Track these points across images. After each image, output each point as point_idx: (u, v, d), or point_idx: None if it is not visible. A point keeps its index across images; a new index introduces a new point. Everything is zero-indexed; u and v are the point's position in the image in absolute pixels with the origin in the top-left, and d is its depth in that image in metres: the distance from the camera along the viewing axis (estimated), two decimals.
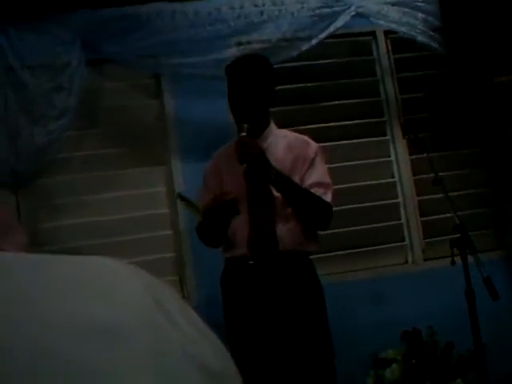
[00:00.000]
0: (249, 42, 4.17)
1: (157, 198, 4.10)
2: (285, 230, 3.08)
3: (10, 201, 3.79)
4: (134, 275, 0.50)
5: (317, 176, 3.14)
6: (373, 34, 4.46)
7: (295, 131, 4.17)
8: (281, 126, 4.24)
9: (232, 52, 4.09)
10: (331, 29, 4.19)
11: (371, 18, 4.28)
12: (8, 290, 0.46)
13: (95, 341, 0.43)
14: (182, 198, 3.14)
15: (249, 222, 3.09)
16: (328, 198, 3.12)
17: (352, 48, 4.42)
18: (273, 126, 3.29)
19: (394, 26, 4.29)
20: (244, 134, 3.01)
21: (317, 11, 4.20)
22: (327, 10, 4.20)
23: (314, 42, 4.16)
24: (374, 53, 4.48)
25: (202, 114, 4.09)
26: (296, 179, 3.11)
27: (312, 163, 3.16)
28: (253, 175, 3.05)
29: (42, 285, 0.46)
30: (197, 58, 4.03)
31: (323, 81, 4.40)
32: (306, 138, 3.29)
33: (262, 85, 3.14)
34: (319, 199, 3.09)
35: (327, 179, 3.17)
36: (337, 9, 4.22)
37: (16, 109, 3.81)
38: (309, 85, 4.37)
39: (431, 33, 4.28)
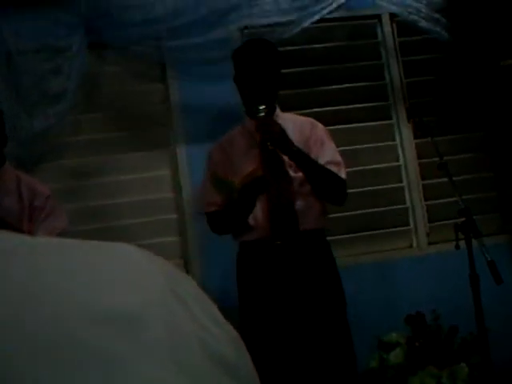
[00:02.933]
0: (249, 17, 4.15)
1: (161, 181, 4.10)
2: (303, 209, 3.15)
3: None
4: (154, 264, 0.50)
5: (329, 154, 3.23)
6: (378, 16, 4.43)
7: (300, 115, 4.18)
8: (285, 109, 4.25)
9: (234, 31, 4.08)
10: (334, 5, 4.16)
11: (375, 0, 4.25)
12: (25, 274, 0.46)
13: (112, 328, 0.43)
14: (215, 178, 3.15)
15: (267, 204, 3.13)
16: (343, 174, 3.22)
17: (357, 31, 4.40)
18: (278, 110, 3.33)
19: (395, 9, 4.25)
20: (263, 114, 3.07)
21: None
22: None
23: (316, 17, 4.13)
24: (379, 36, 4.46)
25: (205, 97, 4.08)
26: None
27: (322, 143, 3.25)
28: (274, 154, 3.09)
29: (61, 270, 0.47)
30: (198, 39, 4.01)
31: (328, 64, 4.39)
32: (311, 119, 3.38)
33: (272, 68, 3.20)
34: (335, 176, 3.18)
35: (339, 157, 3.27)
36: None
37: (15, 94, 3.79)
38: (313, 68, 4.36)
39: (436, 15, 4.25)
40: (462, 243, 3.32)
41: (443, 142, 4.01)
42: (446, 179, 3.55)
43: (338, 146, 4.24)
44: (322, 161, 3.18)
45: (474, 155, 4.50)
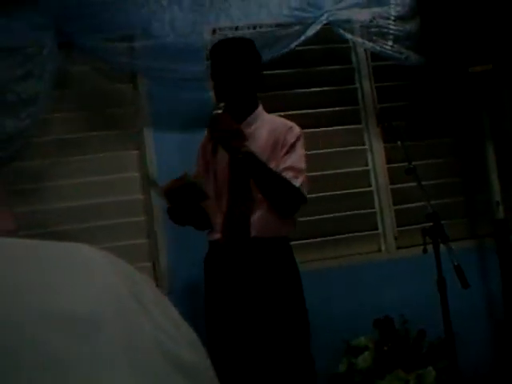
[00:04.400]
0: (221, 29, 4.16)
1: (130, 182, 4.07)
2: (257, 217, 3.10)
3: None
4: (111, 265, 0.49)
5: (291, 161, 3.13)
6: (348, 22, 4.44)
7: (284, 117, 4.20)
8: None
9: (207, 39, 4.09)
10: (302, 38, 4.18)
11: (340, 30, 4.27)
12: None
13: (64, 329, 0.42)
14: (150, 181, 3.17)
15: (226, 208, 3.13)
16: (297, 182, 3.10)
17: (328, 36, 4.41)
18: (261, 111, 3.28)
19: (367, 45, 4.31)
20: (218, 111, 3.03)
21: (295, 13, 4.20)
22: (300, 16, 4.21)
23: (283, 50, 4.15)
24: (350, 41, 4.47)
25: (177, 103, 4.06)
26: (274, 164, 3.11)
27: (290, 148, 3.16)
28: (216, 148, 3.11)
29: (12, 270, 0.45)
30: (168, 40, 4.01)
31: (299, 68, 4.40)
32: (289, 123, 3.29)
33: (244, 67, 3.15)
34: (287, 183, 3.08)
35: (301, 164, 3.16)
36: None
37: None
38: (284, 71, 4.36)
39: (406, 40, 4.29)
40: (430, 247, 3.35)
41: (412, 147, 4.04)
42: (414, 184, 3.59)
43: (306, 150, 4.28)
44: (282, 166, 3.12)
45: (443, 160, 4.54)
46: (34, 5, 3.85)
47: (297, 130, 3.23)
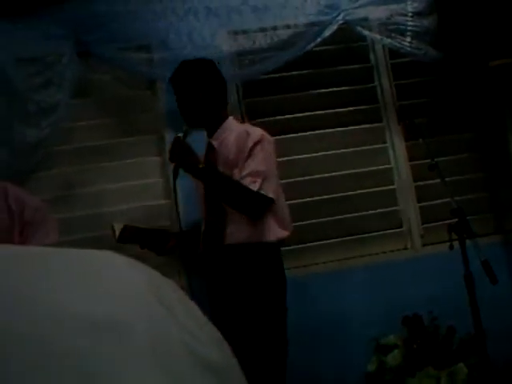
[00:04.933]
0: (238, 33, 4.18)
1: (154, 188, 4.09)
2: (231, 225, 3.27)
3: None
4: (137, 270, 0.50)
5: (251, 166, 3.20)
6: (366, 20, 4.43)
7: (292, 119, 4.20)
8: (276, 114, 4.26)
9: (226, 43, 4.11)
10: (318, 39, 4.19)
11: (358, 27, 4.27)
12: (9, 285, 0.45)
13: (95, 335, 0.43)
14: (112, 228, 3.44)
15: (205, 221, 3.40)
16: (255, 186, 3.17)
17: (346, 35, 4.40)
18: (229, 122, 3.41)
19: (385, 41, 4.29)
20: (180, 135, 3.24)
21: (311, 16, 4.21)
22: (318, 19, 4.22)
23: (300, 52, 4.17)
24: (368, 39, 4.46)
25: None
26: (235, 172, 3.23)
27: (249, 154, 3.22)
28: (177, 173, 3.29)
29: (46, 278, 0.46)
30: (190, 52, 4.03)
31: (317, 68, 4.39)
32: (250, 128, 3.36)
33: (199, 89, 3.32)
34: (245, 189, 3.16)
35: (261, 167, 3.20)
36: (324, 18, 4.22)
37: (7, 105, 3.80)
38: (303, 72, 4.36)
39: (425, 35, 4.26)
40: (456, 244, 3.32)
41: (434, 143, 4.02)
42: (438, 180, 3.56)
43: (328, 150, 4.29)
44: (242, 173, 3.20)
45: (466, 155, 4.50)
46: (52, 15, 3.89)
47: (256, 134, 3.27)
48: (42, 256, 0.49)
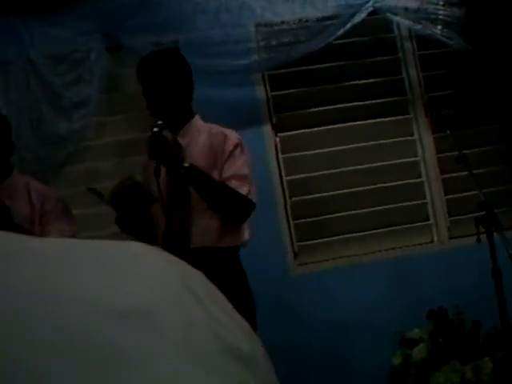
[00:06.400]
0: (267, 25, 4.17)
1: None
2: (198, 228, 3.06)
3: None
4: (166, 261, 0.50)
5: (234, 169, 3.08)
6: (395, 8, 4.39)
7: (319, 112, 4.17)
8: (304, 106, 4.26)
9: (250, 34, 4.11)
10: (348, 25, 4.16)
11: (388, 14, 4.23)
12: (39, 274, 0.46)
13: (126, 326, 0.43)
14: (91, 190, 3.06)
15: (165, 221, 3.09)
16: (244, 190, 3.06)
17: (373, 26, 4.38)
18: (197, 120, 3.23)
19: (414, 27, 4.26)
20: (156, 129, 2.98)
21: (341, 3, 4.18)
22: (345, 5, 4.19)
23: (330, 39, 4.14)
24: (395, 31, 4.43)
25: (223, 95, 4.10)
26: (216, 174, 3.08)
27: (229, 156, 3.10)
28: (160, 171, 3.00)
29: (73, 269, 0.47)
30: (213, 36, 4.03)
31: (345, 60, 4.37)
32: (226, 131, 3.21)
33: (174, 80, 3.11)
34: (234, 192, 3.04)
35: (244, 171, 3.10)
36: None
37: (39, 97, 3.86)
38: (330, 65, 4.35)
39: (453, 25, 4.22)
40: (484, 236, 3.30)
41: (461, 136, 3.99)
42: (465, 173, 3.54)
43: (355, 142, 4.27)
44: (224, 175, 3.07)
45: (493, 147, 4.46)
46: (80, 11, 3.93)
47: (233, 137, 3.16)
48: (72, 248, 0.50)
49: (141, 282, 0.46)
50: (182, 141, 3.12)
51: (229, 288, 2.80)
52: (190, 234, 3.05)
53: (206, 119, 3.27)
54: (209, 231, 3.05)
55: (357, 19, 4.17)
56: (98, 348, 0.42)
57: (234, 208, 3.08)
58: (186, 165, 2.98)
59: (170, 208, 3.09)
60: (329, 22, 4.17)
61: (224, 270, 3.00)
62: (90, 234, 3.72)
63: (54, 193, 3.30)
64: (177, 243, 3.05)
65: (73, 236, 3.11)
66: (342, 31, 4.16)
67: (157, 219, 3.11)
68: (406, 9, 4.22)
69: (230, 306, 0.50)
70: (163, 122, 3.00)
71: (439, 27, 4.22)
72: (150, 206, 3.04)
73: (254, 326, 3.00)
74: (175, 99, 3.12)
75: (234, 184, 3.05)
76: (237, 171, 3.08)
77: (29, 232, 2.92)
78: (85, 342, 0.42)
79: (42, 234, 3.06)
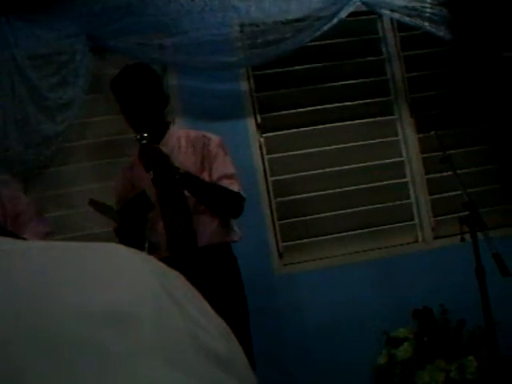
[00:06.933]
0: (251, 24, 4.17)
1: None
2: (202, 228, 3.20)
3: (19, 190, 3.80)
4: (143, 262, 0.50)
5: (222, 169, 3.24)
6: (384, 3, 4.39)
7: (304, 112, 4.19)
8: (289, 107, 4.26)
9: (235, 33, 4.10)
10: (334, 20, 4.16)
11: (376, 8, 4.24)
12: (16, 277, 0.46)
13: (103, 327, 0.43)
14: (94, 203, 3.13)
15: (164, 227, 3.21)
16: (235, 187, 3.22)
17: (357, 27, 4.39)
18: (173, 128, 3.39)
19: (397, 16, 4.24)
20: (144, 141, 3.09)
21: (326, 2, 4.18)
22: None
23: (316, 34, 4.14)
24: (380, 31, 4.45)
25: (208, 96, 4.10)
26: (205, 176, 3.22)
27: (215, 157, 3.25)
28: (160, 180, 3.15)
29: (50, 270, 0.47)
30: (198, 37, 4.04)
31: (329, 61, 4.38)
32: (205, 133, 3.35)
33: (150, 92, 3.21)
34: (227, 190, 3.19)
35: (231, 169, 3.26)
36: None
37: (23, 98, 3.83)
38: (315, 65, 4.36)
39: (437, 16, 4.23)
40: (468, 236, 3.32)
41: (446, 136, 4.00)
42: (449, 173, 3.55)
43: (340, 143, 4.29)
44: (214, 176, 3.21)
45: (478, 148, 4.48)
46: (65, 12, 3.91)
47: (214, 138, 3.31)
48: (47, 249, 0.50)
49: (119, 284, 0.46)
50: (165, 150, 3.19)
51: (233, 278, 2.85)
52: (196, 234, 3.19)
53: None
54: (212, 229, 3.22)
55: (344, 14, 4.16)
56: (78, 348, 0.42)
57: (230, 206, 3.25)
58: (181, 171, 3.11)
59: (166, 213, 3.22)
60: (315, 18, 4.16)
61: (228, 262, 3.25)
62: (72, 236, 3.72)
63: (25, 197, 3.42)
64: (184, 244, 3.20)
65: (47, 236, 3.20)
66: (328, 26, 4.15)
67: (153, 225, 3.23)
68: (392, 5, 4.23)
69: (208, 307, 0.51)
70: (148, 134, 3.11)
71: (426, 23, 4.23)
72: (148, 212, 3.16)
73: (247, 318, 3.21)
74: (153, 111, 3.23)
75: (225, 183, 3.20)
76: (226, 170, 3.24)
77: (9, 233, 2.95)
78: (66, 342, 0.42)
79: (16, 235, 3.05)
